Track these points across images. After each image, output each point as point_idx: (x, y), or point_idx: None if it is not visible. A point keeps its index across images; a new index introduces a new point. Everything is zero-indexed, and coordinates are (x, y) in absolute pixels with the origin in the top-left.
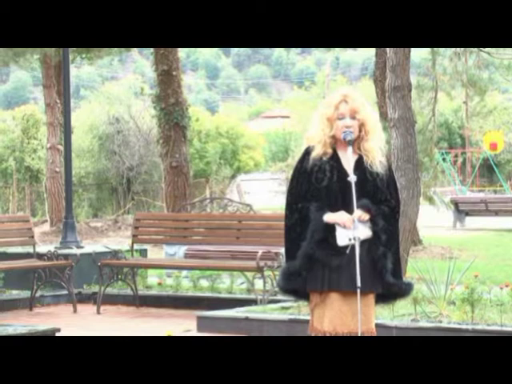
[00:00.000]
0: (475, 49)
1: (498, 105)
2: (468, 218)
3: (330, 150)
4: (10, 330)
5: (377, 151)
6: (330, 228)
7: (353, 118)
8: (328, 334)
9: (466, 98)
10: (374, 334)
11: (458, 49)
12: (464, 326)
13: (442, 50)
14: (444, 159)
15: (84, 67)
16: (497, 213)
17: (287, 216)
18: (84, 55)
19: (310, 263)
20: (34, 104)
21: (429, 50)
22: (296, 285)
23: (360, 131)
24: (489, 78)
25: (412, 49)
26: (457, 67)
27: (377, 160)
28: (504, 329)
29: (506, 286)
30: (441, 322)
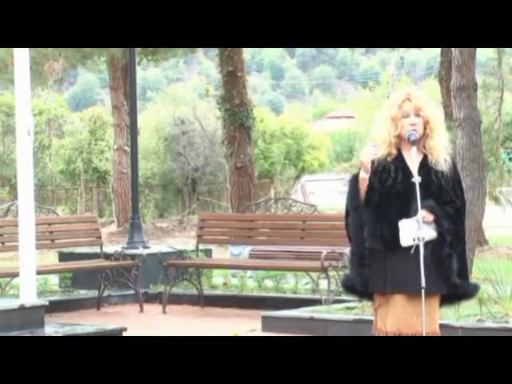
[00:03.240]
0: None
1: None
2: None
3: (394, 151)
4: (78, 330)
5: (441, 149)
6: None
7: (417, 115)
8: (392, 335)
9: None
10: (438, 335)
11: None
12: None
13: (508, 49)
14: (510, 159)
15: (150, 69)
16: None
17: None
18: (150, 57)
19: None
20: (101, 106)
21: (495, 49)
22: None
23: (425, 129)
24: None
25: (478, 48)
26: None
27: (441, 158)
28: None
29: None
30: (507, 322)
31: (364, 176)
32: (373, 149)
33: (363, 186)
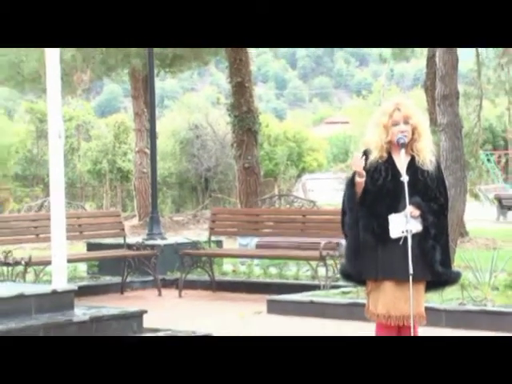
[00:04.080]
0: None
1: None
2: (510, 213)
3: (385, 154)
4: (104, 311)
5: (427, 151)
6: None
7: (406, 123)
8: (382, 317)
9: (508, 105)
10: (424, 318)
11: (501, 59)
12: (507, 310)
13: (486, 61)
14: (488, 160)
15: (167, 80)
16: None
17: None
18: (167, 69)
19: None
20: (124, 113)
21: (474, 61)
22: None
23: (413, 134)
24: None
25: (459, 60)
26: (500, 77)
27: (427, 159)
28: None
29: None
30: (485, 305)
31: (359, 180)
32: (362, 158)
33: (359, 188)
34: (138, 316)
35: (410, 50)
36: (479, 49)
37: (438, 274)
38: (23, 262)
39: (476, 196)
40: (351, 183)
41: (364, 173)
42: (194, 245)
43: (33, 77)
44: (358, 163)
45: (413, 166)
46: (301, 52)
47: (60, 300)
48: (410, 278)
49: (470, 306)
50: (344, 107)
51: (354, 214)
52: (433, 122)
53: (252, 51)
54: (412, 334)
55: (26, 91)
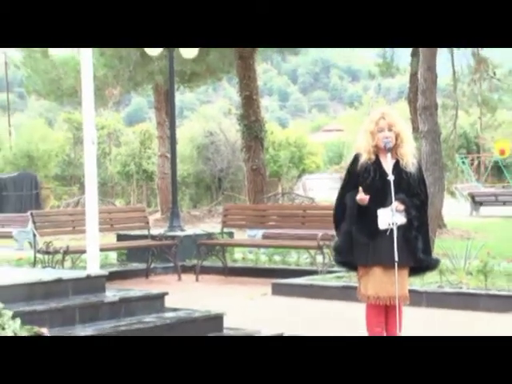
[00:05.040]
0: (488, 75)
1: (506, 119)
2: (482, 208)
3: (373, 157)
4: (131, 293)
5: (410, 155)
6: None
7: (390, 130)
8: (372, 298)
9: (480, 115)
10: (408, 298)
11: (474, 75)
12: (479, 291)
13: (462, 77)
14: (463, 162)
15: (186, 93)
16: (504, 203)
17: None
18: (186, 84)
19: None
20: (149, 122)
21: (451, 76)
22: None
23: (396, 140)
24: (498, 99)
25: (438, 76)
26: (473, 91)
27: (410, 162)
28: (511, 293)
29: None
30: (461, 288)
31: (362, 204)
32: (366, 197)
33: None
34: (161, 297)
35: (395, 67)
36: (455, 66)
37: (420, 261)
38: (62, 251)
39: (452, 193)
40: (353, 198)
41: (367, 199)
42: (209, 236)
43: (70, 92)
44: (364, 201)
45: (397, 168)
46: (301, 69)
47: (93, 284)
48: (396, 264)
49: (448, 289)
50: (338, 117)
51: (352, 221)
52: (415, 129)
53: (258, 68)
54: (397, 313)
55: (64, 104)
